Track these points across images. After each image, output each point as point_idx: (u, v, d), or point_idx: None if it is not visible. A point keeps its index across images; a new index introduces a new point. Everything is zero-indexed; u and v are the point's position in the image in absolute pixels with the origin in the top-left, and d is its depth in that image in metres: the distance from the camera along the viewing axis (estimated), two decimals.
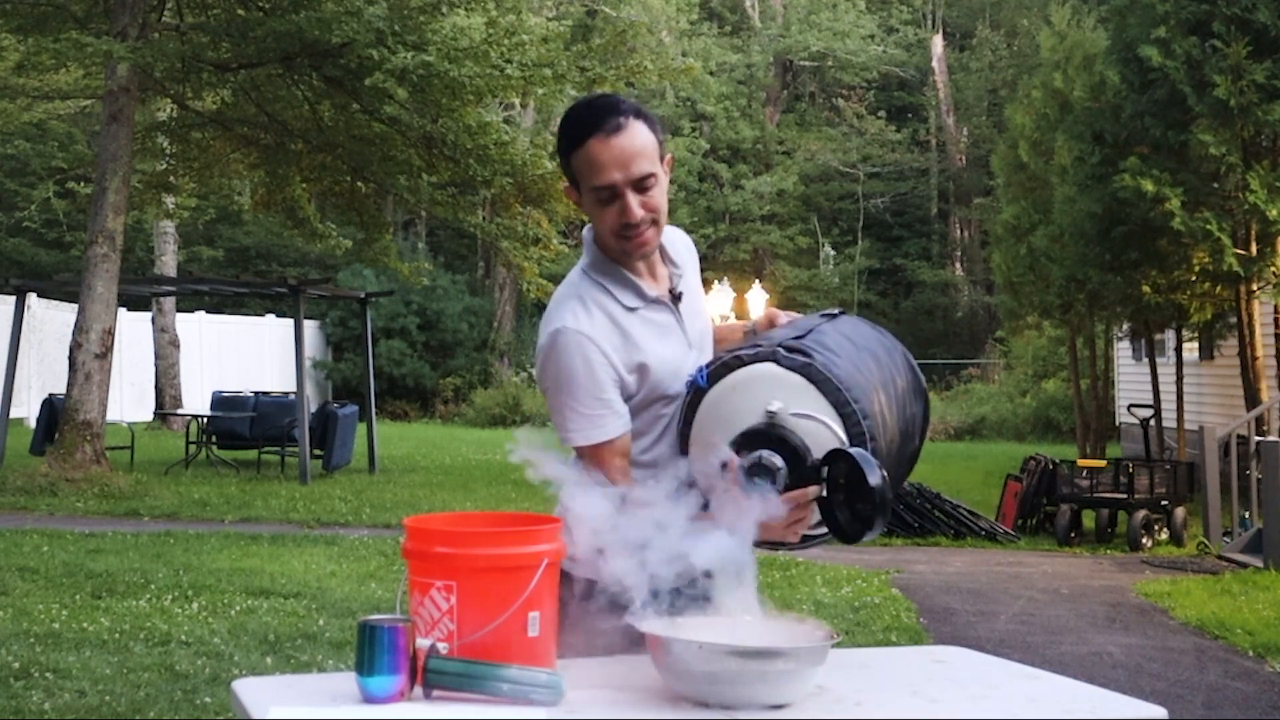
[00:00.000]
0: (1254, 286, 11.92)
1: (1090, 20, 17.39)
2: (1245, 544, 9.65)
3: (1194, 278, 12.32)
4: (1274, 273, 11.50)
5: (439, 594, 1.88)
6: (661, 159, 2.22)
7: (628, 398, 2.22)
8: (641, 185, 2.17)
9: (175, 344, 22.27)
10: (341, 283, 25.06)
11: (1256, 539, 9.49)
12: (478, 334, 28.96)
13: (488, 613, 1.86)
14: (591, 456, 2.21)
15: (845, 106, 37.74)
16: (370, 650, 1.79)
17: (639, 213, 2.17)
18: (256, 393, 17.03)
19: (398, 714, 1.74)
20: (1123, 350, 18.98)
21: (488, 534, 1.97)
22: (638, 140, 2.16)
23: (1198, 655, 6.47)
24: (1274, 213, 10.80)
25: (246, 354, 25.93)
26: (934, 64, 36.28)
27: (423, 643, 1.84)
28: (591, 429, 2.19)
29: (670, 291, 2.31)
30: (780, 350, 2.10)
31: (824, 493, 2.02)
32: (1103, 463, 11.11)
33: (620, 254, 2.25)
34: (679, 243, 2.40)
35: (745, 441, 2.04)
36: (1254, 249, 11.46)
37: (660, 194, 2.21)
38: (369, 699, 1.78)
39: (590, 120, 2.17)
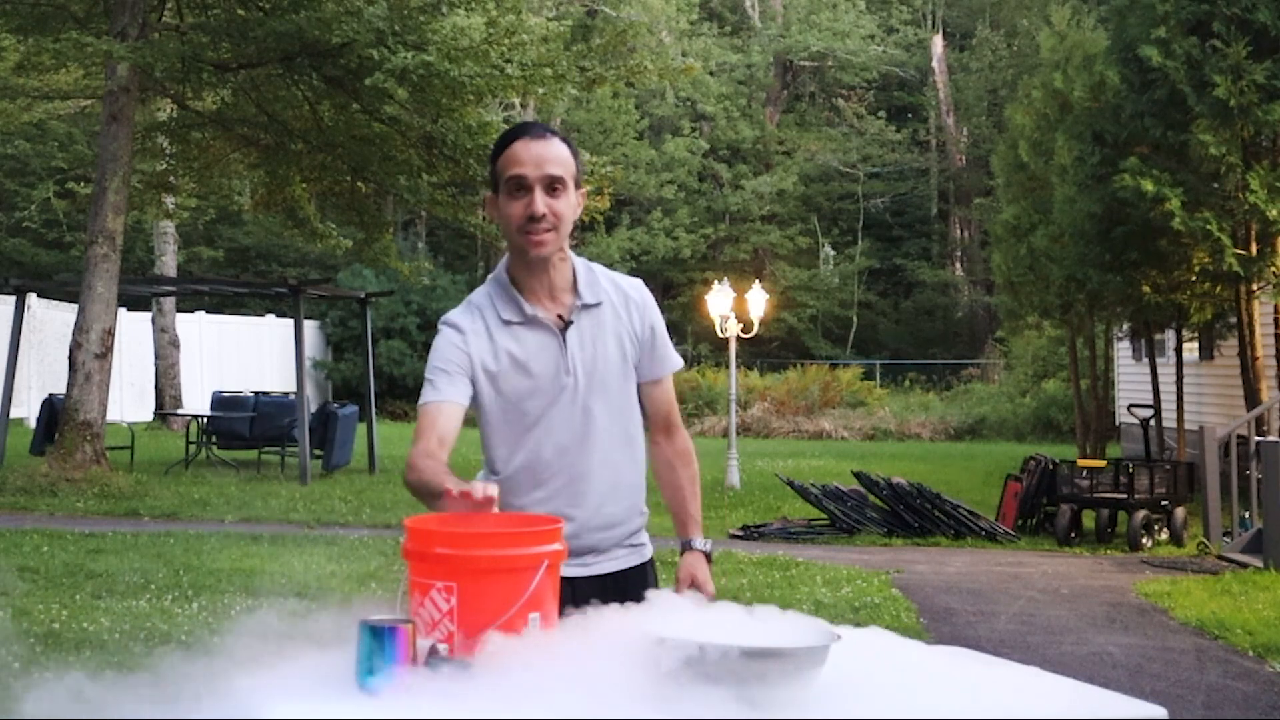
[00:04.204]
0: (1254, 286, 11.92)
1: (1090, 20, 17.39)
2: (1245, 544, 9.65)
3: (1194, 278, 12.31)
4: (1274, 273, 11.50)
5: (439, 595, 1.87)
6: (577, 186, 2.49)
7: (479, 394, 2.47)
8: (550, 187, 2.43)
9: (175, 344, 22.27)
10: (341, 283, 25.06)
11: (1256, 539, 9.49)
12: None
13: (488, 614, 1.86)
14: (418, 418, 2.45)
15: (845, 106, 37.74)
16: (370, 650, 1.79)
17: (542, 208, 2.41)
18: (256, 393, 17.02)
19: (398, 713, 1.74)
20: (1123, 350, 18.97)
21: (488, 535, 1.97)
22: (557, 150, 2.45)
23: (1198, 655, 6.47)
24: (1274, 213, 10.79)
25: (246, 354, 25.92)
26: (934, 64, 36.28)
27: (423, 644, 1.84)
28: (428, 391, 2.45)
29: (560, 318, 2.49)
30: None
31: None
32: (1103, 463, 11.11)
33: (520, 252, 2.46)
34: (630, 291, 2.59)
35: None
36: (1254, 249, 11.46)
37: (566, 207, 2.46)
38: (369, 698, 1.78)
39: (521, 129, 2.49)
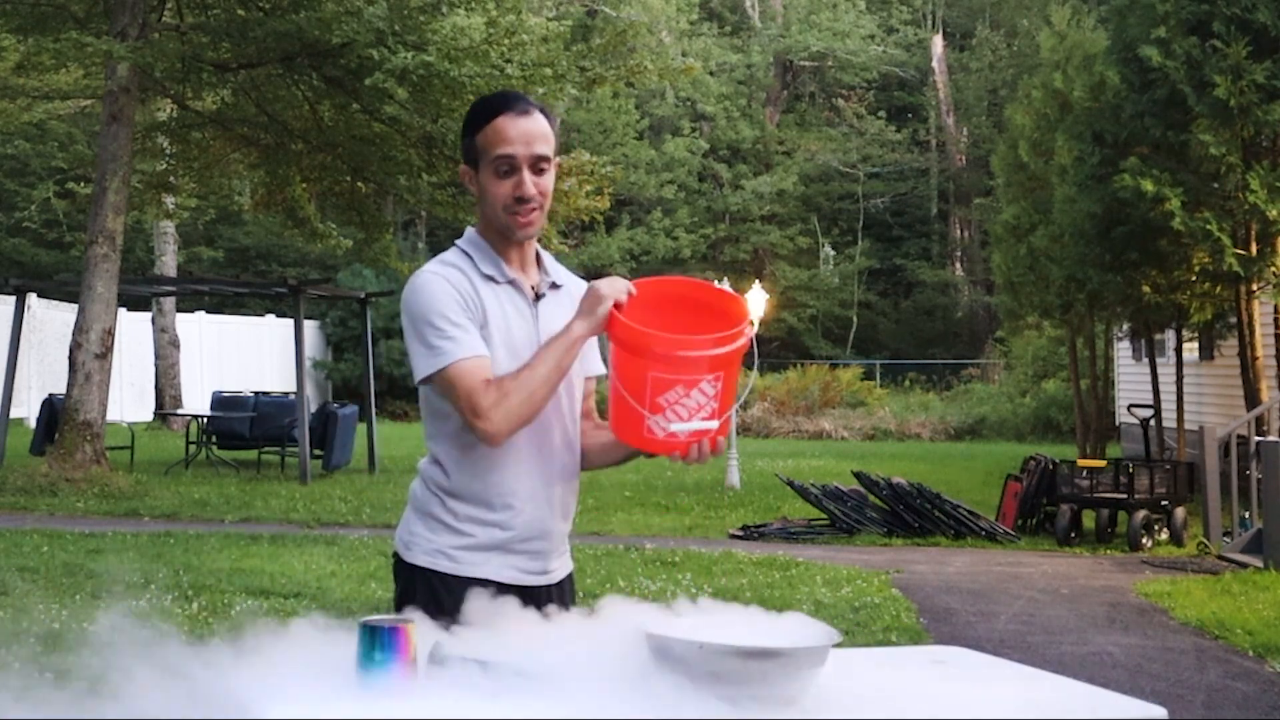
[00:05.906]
0: (1254, 286, 11.92)
1: (1090, 20, 17.39)
2: (1245, 544, 9.65)
3: (1194, 278, 12.32)
4: (1274, 273, 11.50)
5: (709, 385, 2.17)
6: (555, 154, 2.42)
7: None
8: (537, 166, 2.36)
9: (175, 344, 22.28)
10: (341, 283, 25.07)
11: (1256, 539, 9.49)
12: None
13: (731, 387, 2.23)
14: (456, 379, 2.24)
15: (845, 106, 37.73)
16: (370, 650, 1.79)
17: (532, 189, 2.35)
18: (256, 393, 17.03)
19: (398, 713, 1.74)
20: (1123, 350, 18.98)
21: (731, 335, 2.19)
22: (542, 126, 2.37)
23: (1198, 655, 6.47)
24: (1274, 213, 10.80)
25: (246, 354, 25.92)
26: (934, 64, 36.28)
27: (684, 426, 2.16)
28: (446, 347, 2.25)
29: (532, 288, 2.43)
30: None
31: None
32: (1103, 463, 11.11)
33: (505, 230, 2.39)
34: (584, 286, 2.50)
35: None
36: (1254, 249, 11.46)
37: (550, 182, 2.40)
38: (369, 699, 1.78)
39: (502, 101, 2.39)
